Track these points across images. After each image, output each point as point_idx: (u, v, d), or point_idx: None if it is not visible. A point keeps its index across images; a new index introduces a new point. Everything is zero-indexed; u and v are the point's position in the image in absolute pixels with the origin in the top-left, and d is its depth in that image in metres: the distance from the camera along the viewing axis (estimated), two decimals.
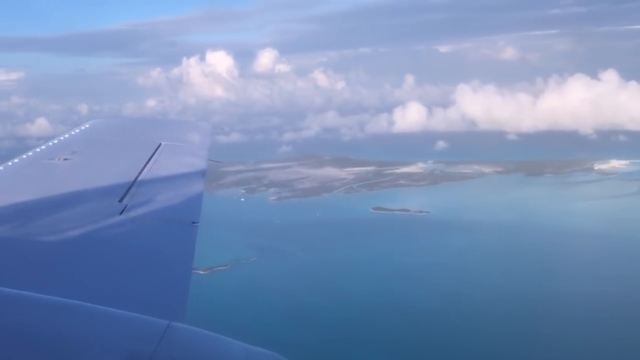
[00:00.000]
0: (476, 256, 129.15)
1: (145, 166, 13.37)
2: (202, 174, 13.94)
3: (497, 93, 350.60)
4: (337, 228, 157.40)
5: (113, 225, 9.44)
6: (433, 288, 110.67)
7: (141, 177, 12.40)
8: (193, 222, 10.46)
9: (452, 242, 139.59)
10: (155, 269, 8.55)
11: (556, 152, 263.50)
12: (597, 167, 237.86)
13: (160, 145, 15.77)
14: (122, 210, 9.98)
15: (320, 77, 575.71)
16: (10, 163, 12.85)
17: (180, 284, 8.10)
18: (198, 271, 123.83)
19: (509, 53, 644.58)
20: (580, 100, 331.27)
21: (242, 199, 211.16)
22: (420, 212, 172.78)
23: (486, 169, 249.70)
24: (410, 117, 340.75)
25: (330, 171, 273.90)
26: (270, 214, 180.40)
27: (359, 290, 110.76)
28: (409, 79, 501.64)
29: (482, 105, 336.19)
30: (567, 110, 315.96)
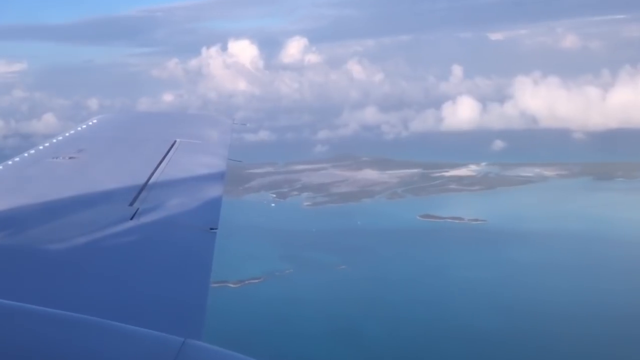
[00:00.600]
0: (541, 271, 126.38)
1: (158, 166, 13.33)
2: (221, 174, 14.00)
3: (561, 86, 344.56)
4: (381, 238, 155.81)
5: (123, 232, 9.41)
6: (493, 306, 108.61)
7: (154, 178, 12.38)
8: (211, 229, 10.34)
9: (512, 255, 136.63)
10: (169, 280, 8.52)
11: (629, 153, 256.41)
12: None
13: (175, 142, 15.72)
14: (133, 215, 9.98)
15: (355, 69, 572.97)
16: (10, 162, 12.77)
17: (197, 297, 8.07)
18: (228, 284, 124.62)
19: (570, 41, 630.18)
20: None
21: (273, 204, 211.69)
22: (475, 220, 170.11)
23: (548, 172, 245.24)
24: (462, 113, 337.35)
25: (370, 174, 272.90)
26: (305, 221, 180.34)
27: (410, 309, 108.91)
28: (457, 71, 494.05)
29: (544, 100, 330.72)
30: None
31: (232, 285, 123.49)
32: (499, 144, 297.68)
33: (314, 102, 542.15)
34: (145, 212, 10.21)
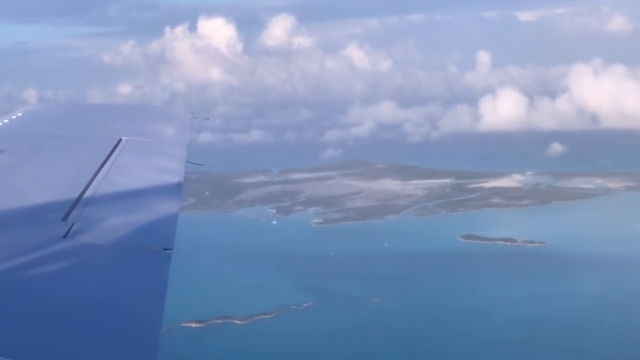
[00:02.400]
0: (619, 305, 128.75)
1: (99, 170, 13.18)
2: (178, 181, 13.80)
3: (629, 76, 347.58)
4: (417, 264, 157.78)
5: (53, 254, 9.09)
6: (564, 349, 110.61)
7: (93, 186, 12.19)
8: (165, 249, 10.14)
9: (582, 286, 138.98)
10: (111, 317, 8.13)
11: None
12: None
13: (120, 141, 15.78)
14: (67, 233, 9.73)
15: (356, 55, 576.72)
16: None
17: (148, 338, 7.77)
18: (233, 320, 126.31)
19: (618, 22, 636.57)
20: None
21: (274, 222, 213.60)
22: (531, 242, 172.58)
23: (613, 184, 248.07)
24: (503, 110, 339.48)
25: (391, 184, 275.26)
26: (318, 243, 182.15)
27: (461, 352, 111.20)
28: (483, 58, 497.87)
29: (606, 94, 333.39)
30: None
31: (237, 322, 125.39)
32: (550, 149, 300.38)
33: (309, 96, 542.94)
34: (82, 230, 9.94)
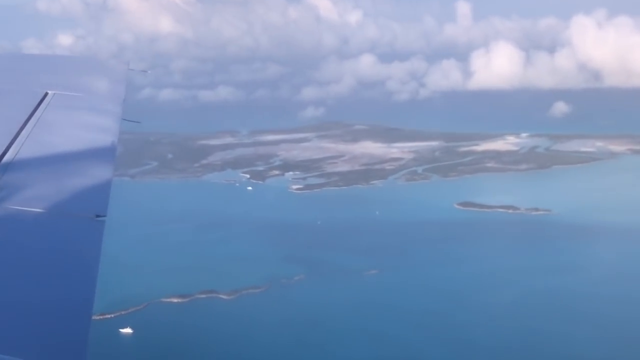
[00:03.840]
0: (635, 277, 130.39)
1: (22, 129, 12.84)
2: (112, 141, 13.57)
3: (636, 29, 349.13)
4: (413, 233, 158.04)
5: None
6: (581, 321, 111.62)
7: (16, 146, 11.90)
8: (98, 216, 10.04)
9: (595, 256, 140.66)
10: (39, 289, 8.00)
11: None
12: None
13: (45, 95, 15.36)
14: None
15: (322, 4, 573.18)
16: None
17: (79, 311, 7.60)
18: (219, 295, 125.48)
19: None
20: None
21: (250, 188, 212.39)
22: (535, 210, 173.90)
23: (617, 147, 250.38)
24: (496, 66, 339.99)
25: (373, 147, 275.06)
26: (301, 211, 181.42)
27: (472, 327, 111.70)
28: (463, 8, 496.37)
29: (610, 49, 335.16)
30: None
31: (224, 297, 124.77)
32: (547, 109, 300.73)
33: (274, 49, 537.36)
34: (6, 196, 9.81)
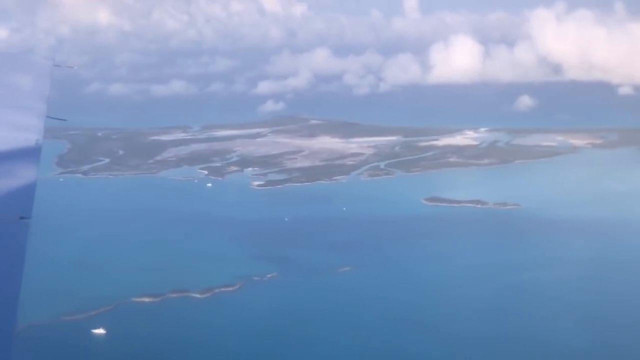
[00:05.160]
0: (608, 269, 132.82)
1: None
2: (36, 140, 13.18)
3: (596, 23, 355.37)
4: (383, 229, 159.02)
5: None
6: (557, 316, 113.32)
7: None
8: (22, 218, 9.71)
9: (567, 250, 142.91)
10: None
11: None
12: None
13: None
14: None
15: None
16: None
17: (4, 318, 7.41)
18: (192, 294, 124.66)
19: None
20: None
21: (209, 184, 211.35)
22: (504, 205, 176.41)
23: (577, 141, 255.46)
24: (455, 59, 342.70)
25: (331, 142, 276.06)
26: (265, 207, 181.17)
27: (448, 320, 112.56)
28: (411, 2, 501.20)
29: (571, 42, 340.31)
30: None
31: (196, 296, 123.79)
32: (508, 103, 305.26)
33: (220, 42, 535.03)
34: None
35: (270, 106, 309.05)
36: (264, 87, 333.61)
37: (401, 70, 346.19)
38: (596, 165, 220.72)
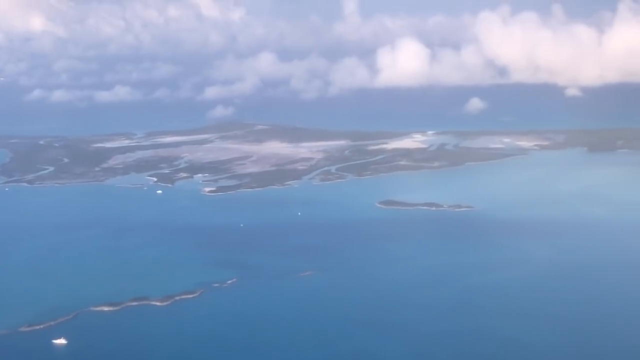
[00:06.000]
0: (568, 269, 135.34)
1: None
2: None
3: (542, 25, 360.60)
4: (341, 233, 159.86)
5: None
6: (517, 315, 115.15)
7: None
8: None
9: (525, 251, 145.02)
10: None
11: (635, 116, 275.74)
12: None
13: None
14: None
15: (202, 2, 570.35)
16: None
17: None
18: (152, 302, 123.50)
19: None
20: None
21: (159, 191, 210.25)
22: (458, 207, 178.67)
23: (525, 143, 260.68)
24: (401, 63, 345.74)
25: (279, 147, 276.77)
26: (219, 214, 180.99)
27: (411, 323, 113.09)
28: (350, 5, 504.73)
29: (516, 45, 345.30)
30: None
31: (157, 304, 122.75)
32: (455, 106, 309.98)
33: (159, 48, 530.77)
34: None
35: (219, 111, 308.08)
36: (211, 92, 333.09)
37: (348, 75, 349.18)
38: (545, 167, 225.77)
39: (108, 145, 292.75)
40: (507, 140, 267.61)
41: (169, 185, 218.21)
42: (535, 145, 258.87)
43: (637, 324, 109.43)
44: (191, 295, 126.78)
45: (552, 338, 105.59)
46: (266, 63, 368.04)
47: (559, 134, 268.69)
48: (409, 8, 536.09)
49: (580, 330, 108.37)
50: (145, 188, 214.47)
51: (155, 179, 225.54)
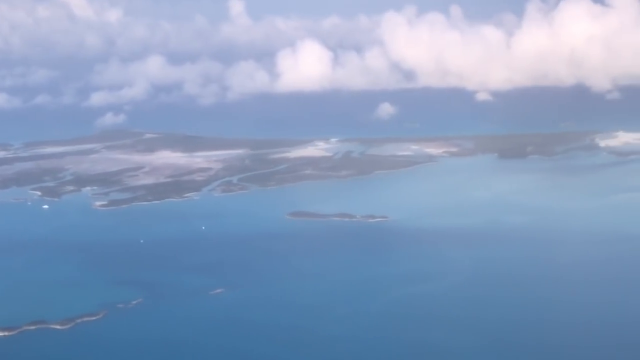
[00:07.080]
0: (490, 279, 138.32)
1: None
2: None
3: (450, 27, 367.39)
4: (250, 248, 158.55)
5: None
6: (441, 328, 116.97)
7: None
8: None
9: (444, 260, 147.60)
10: None
11: (544, 121, 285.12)
12: (603, 143, 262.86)
13: None
14: None
15: (73, 2, 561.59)
16: None
17: None
18: (51, 326, 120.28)
19: None
20: (585, 36, 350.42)
21: (45, 206, 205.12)
22: (372, 217, 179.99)
23: (432, 150, 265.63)
24: (303, 67, 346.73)
25: (173, 157, 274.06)
26: (114, 229, 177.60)
27: (333, 339, 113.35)
28: (237, 6, 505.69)
29: (423, 48, 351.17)
30: (563, 53, 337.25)
31: (57, 327, 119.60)
32: (360, 111, 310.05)
33: (31, 51, 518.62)
34: None
35: (108, 119, 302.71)
36: (97, 98, 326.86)
37: (247, 79, 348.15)
38: (456, 174, 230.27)
39: None
40: (415, 147, 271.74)
41: (56, 199, 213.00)
42: (445, 152, 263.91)
43: (557, 327, 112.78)
44: (94, 317, 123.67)
45: (479, 344, 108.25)
46: (155, 67, 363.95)
47: (468, 140, 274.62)
48: (300, 9, 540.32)
49: (504, 336, 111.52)
50: (29, 203, 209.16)
51: (39, 193, 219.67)
